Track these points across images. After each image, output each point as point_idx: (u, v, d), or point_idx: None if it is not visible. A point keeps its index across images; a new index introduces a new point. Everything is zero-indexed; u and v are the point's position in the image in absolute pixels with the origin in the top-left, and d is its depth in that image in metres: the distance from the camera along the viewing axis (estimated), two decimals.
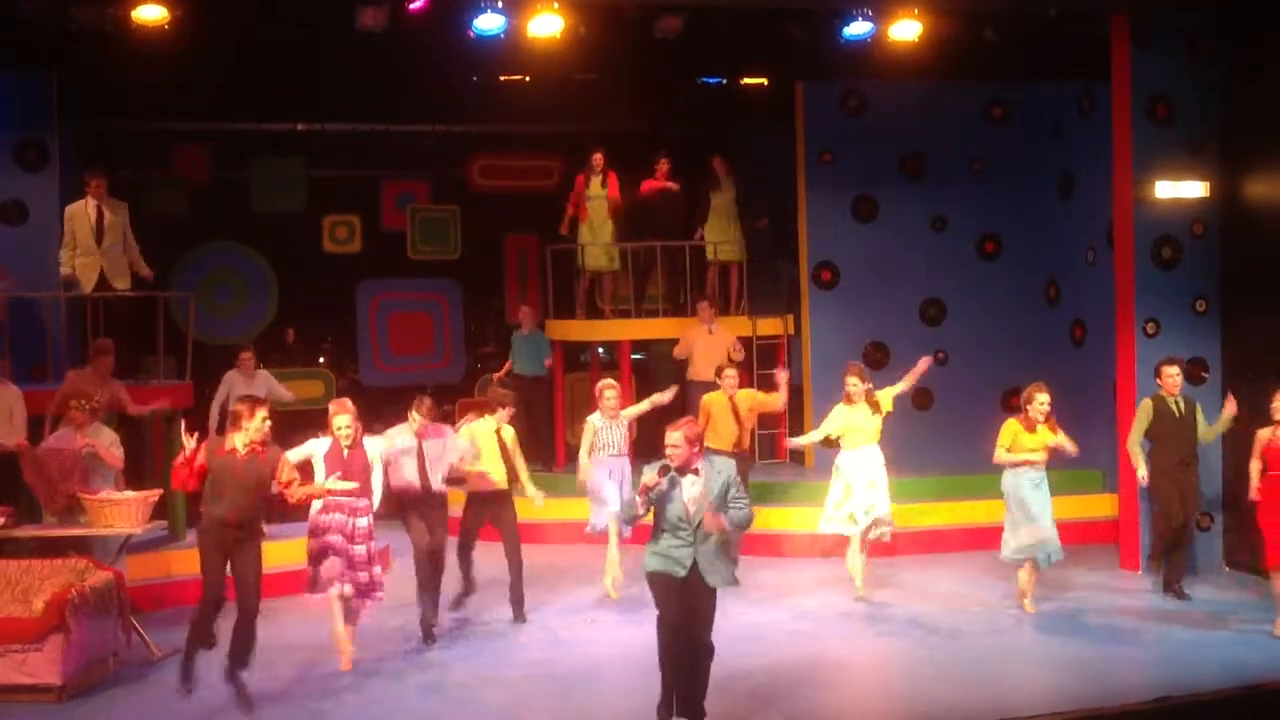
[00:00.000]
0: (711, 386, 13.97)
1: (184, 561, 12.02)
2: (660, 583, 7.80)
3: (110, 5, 11.45)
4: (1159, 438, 11.41)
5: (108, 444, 10.46)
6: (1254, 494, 10.41)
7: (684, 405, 13.34)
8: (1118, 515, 12.93)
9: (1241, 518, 12.18)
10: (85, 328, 12.14)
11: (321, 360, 17.63)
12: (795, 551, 13.13)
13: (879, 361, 15.25)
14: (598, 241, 15.24)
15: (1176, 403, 11.39)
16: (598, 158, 15.23)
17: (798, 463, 15.47)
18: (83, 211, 12.21)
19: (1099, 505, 13.67)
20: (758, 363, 15.19)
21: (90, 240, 12.16)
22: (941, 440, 14.98)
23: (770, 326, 15.44)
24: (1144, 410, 11.45)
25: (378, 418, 17.28)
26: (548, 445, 15.33)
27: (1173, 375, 11.38)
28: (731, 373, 12.40)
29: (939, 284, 15.41)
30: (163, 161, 16.66)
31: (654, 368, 16.28)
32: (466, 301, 18.02)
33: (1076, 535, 12.59)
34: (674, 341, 14.98)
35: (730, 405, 12.20)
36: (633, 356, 15.78)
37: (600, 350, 16.53)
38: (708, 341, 14.55)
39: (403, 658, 9.82)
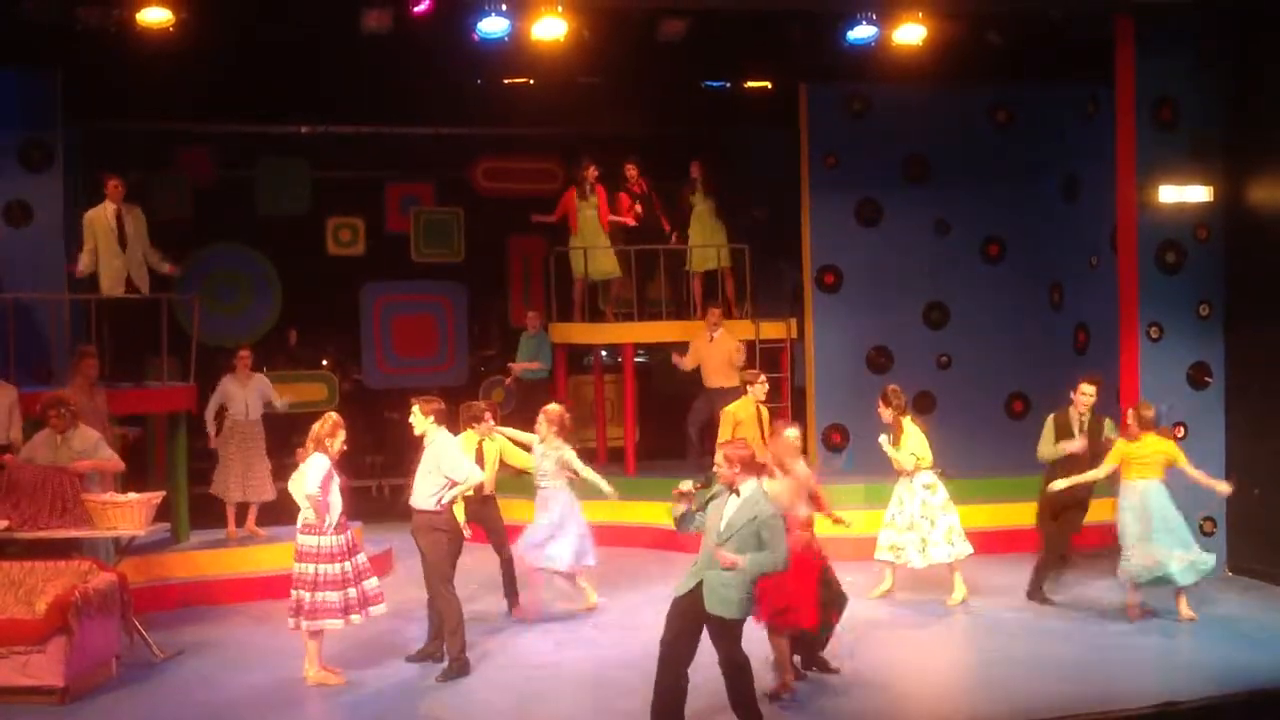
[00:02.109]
0: (725, 392, 13.94)
1: (186, 564, 12.07)
2: (674, 601, 7.84)
3: (115, 7, 11.47)
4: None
5: (93, 445, 10.32)
6: None
7: (711, 412, 13.26)
8: None
9: (1243, 522, 12.18)
10: (90, 329, 12.14)
11: (324, 363, 17.63)
12: None
13: (882, 366, 15.26)
14: (596, 248, 15.23)
15: (1081, 423, 11.09)
16: (590, 171, 15.21)
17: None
18: (102, 216, 12.13)
19: (1101, 509, 13.62)
20: (761, 366, 15.18)
21: (114, 244, 12.05)
22: (944, 444, 14.88)
23: (773, 330, 15.41)
24: (1046, 425, 11.20)
25: (380, 420, 17.32)
26: None
27: (1086, 394, 11.06)
28: (763, 380, 12.09)
29: (942, 288, 15.38)
30: (167, 163, 16.66)
31: (655, 371, 16.31)
32: (470, 304, 18.03)
33: (1079, 539, 12.55)
34: (674, 345, 14.95)
35: (757, 416, 11.97)
36: (636, 360, 15.79)
37: (603, 353, 16.53)
38: (709, 349, 14.55)
39: (403, 660, 9.80)
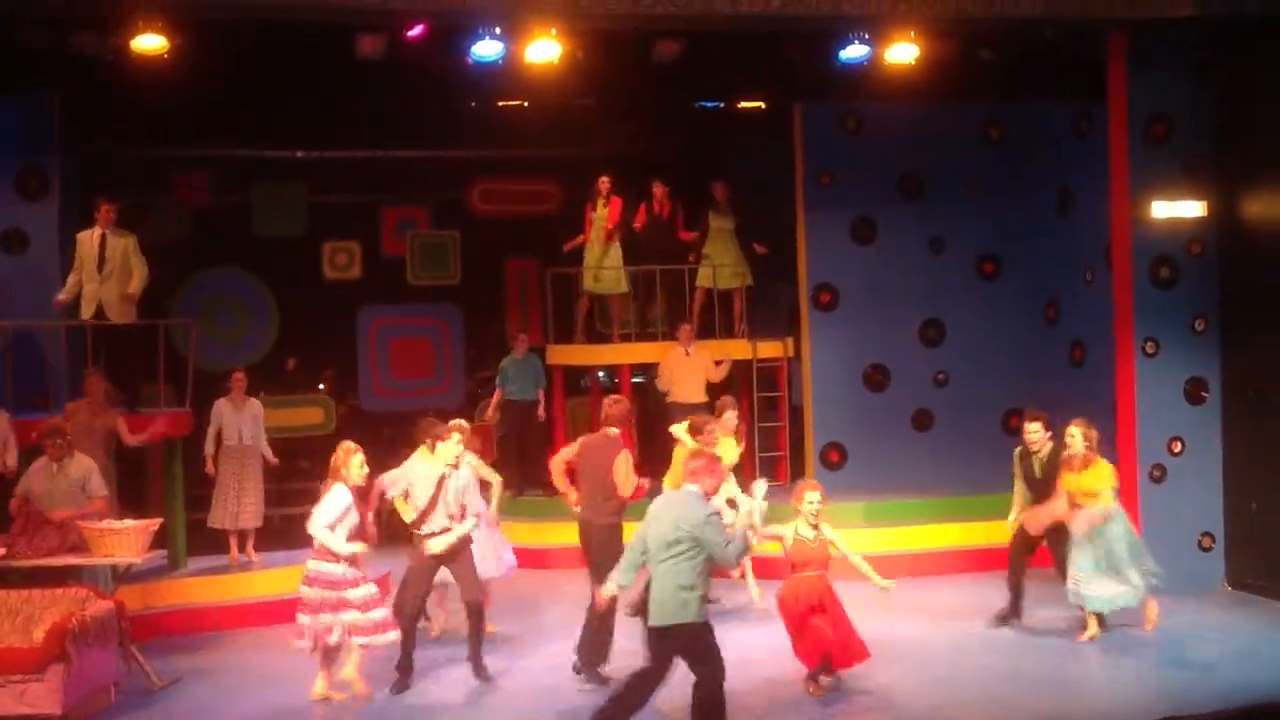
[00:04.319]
0: (697, 408, 13.94)
1: (183, 590, 12.05)
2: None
3: (110, 35, 11.50)
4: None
5: (87, 472, 10.36)
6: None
7: (665, 429, 13.22)
8: None
9: (1241, 537, 12.18)
10: (87, 356, 12.15)
11: (321, 386, 17.64)
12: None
13: (879, 384, 15.27)
14: (607, 264, 15.23)
15: (1039, 460, 10.86)
16: (603, 182, 15.26)
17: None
18: (89, 239, 12.20)
19: None
20: (758, 385, 15.19)
21: (92, 268, 12.14)
22: (941, 461, 14.98)
23: (770, 349, 15.45)
24: (1014, 459, 11.12)
25: (378, 443, 17.32)
26: (544, 470, 15.30)
27: (1031, 432, 10.92)
28: (731, 415, 11.89)
29: (938, 305, 15.40)
30: (164, 187, 16.69)
31: (652, 392, 16.26)
32: (466, 326, 18.05)
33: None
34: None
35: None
36: (633, 380, 15.79)
37: (600, 374, 16.54)
38: (685, 364, 14.56)
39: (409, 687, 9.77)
